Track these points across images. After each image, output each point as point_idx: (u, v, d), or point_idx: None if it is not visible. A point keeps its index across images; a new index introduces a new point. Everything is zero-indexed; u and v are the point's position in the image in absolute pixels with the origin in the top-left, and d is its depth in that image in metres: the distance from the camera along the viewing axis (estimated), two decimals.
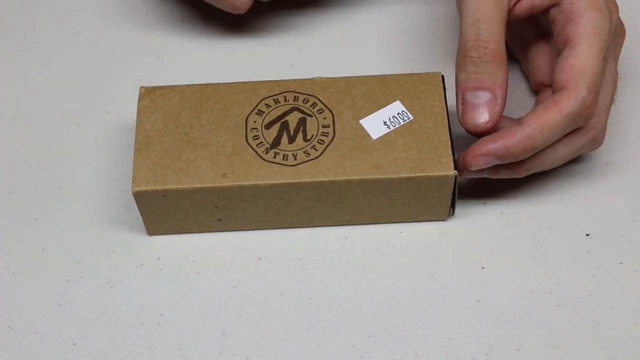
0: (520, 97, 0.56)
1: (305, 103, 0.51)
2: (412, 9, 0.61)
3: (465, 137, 0.55)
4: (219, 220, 0.51)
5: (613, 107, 0.52)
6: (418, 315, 0.49)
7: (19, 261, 0.51)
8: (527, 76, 0.57)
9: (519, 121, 0.48)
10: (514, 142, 0.47)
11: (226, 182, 0.48)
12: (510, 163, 0.48)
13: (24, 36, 0.61)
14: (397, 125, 0.50)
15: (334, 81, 0.52)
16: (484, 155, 0.47)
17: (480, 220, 0.52)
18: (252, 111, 0.51)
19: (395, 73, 0.53)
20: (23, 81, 0.59)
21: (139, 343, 0.48)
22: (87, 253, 0.51)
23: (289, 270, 0.51)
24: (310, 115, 0.51)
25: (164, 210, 0.50)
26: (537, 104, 0.55)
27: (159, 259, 0.51)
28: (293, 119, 0.50)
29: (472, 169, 0.48)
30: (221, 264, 0.51)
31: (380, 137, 0.50)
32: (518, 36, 0.56)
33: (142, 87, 0.52)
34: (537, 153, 0.48)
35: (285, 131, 0.50)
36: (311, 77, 0.52)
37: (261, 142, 0.50)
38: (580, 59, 0.47)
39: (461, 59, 0.48)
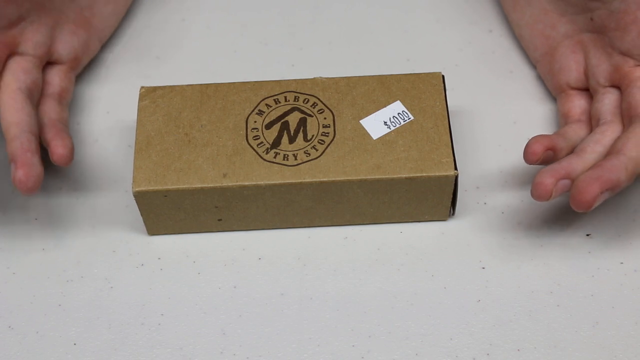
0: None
1: (306, 103, 0.51)
2: (412, 9, 0.61)
3: (465, 138, 0.55)
4: (220, 220, 0.51)
5: None
6: (419, 315, 0.49)
7: (19, 261, 0.51)
8: (546, 78, 0.55)
9: (614, 148, 0.47)
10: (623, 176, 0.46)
11: (227, 182, 0.48)
12: None
13: None
14: (398, 125, 0.50)
15: (335, 81, 0.52)
16: (601, 194, 0.45)
17: (480, 221, 0.52)
18: (253, 111, 0.51)
19: (396, 73, 0.53)
20: None
21: (140, 343, 0.48)
22: (87, 253, 0.51)
23: (289, 270, 0.51)
24: (310, 115, 0.51)
25: (165, 211, 0.50)
26: (563, 112, 0.53)
27: (159, 259, 0.51)
28: (293, 119, 0.50)
29: (593, 207, 0.46)
30: (222, 264, 0.51)
31: (381, 137, 0.50)
32: (542, 35, 0.55)
33: (142, 87, 0.52)
34: None
35: (285, 131, 0.50)
36: (311, 77, 0.52)
37: (262, 142, 0.50)
38: None
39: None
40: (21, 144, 0.48)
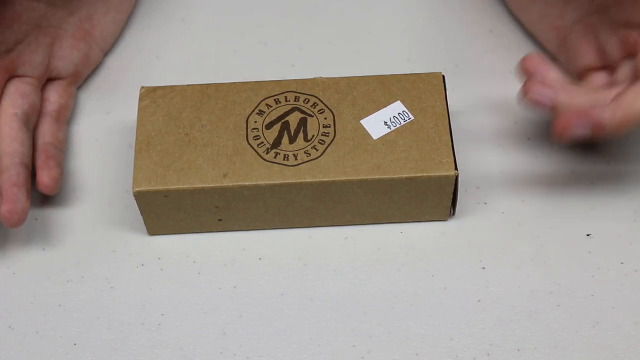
0: None
1: (306, 103, 0.51)
2: (412, 9, 0.61)
3: (465, 138, 0.55)
4: (220, 220, 0.51)
5: None
6: (419, 315, 0.49)
7: (19, 261, 0.51)
8: (568, 68, 0.55)
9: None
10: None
11: (227, 182, 0.48)
12: None
13: None
14: (398, 125, 0.50)
15: (335, 81, 0.52)
16: (579, 125, 0.47)
17: (480, 221, 0.52)
18: (253, 111, 0.51)
19: (396, 73, 0.53)
20: None
21: (140, 343, 0.48)
22: (87, 253, 0.51)
23: (289, 270, 0.51)
24: (311, 116, 0.51)
25: (165, 211, 0.50)
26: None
27: (159, 259, 0.51)
28: (294, 119, 0.50)
29: (568, 138, 0.47)
30: (222, 264, 0.51)
31: (381, 137, 0.50)
32: (553, 27, 0.55)
33: (142, 87, 0.52)
34: None
35: (286, 131, 0.50)
36: (312, 77, 0.52)
37: (262, 142, 0.50)
38: None
39: None
40: (9, 177, 0.48)
